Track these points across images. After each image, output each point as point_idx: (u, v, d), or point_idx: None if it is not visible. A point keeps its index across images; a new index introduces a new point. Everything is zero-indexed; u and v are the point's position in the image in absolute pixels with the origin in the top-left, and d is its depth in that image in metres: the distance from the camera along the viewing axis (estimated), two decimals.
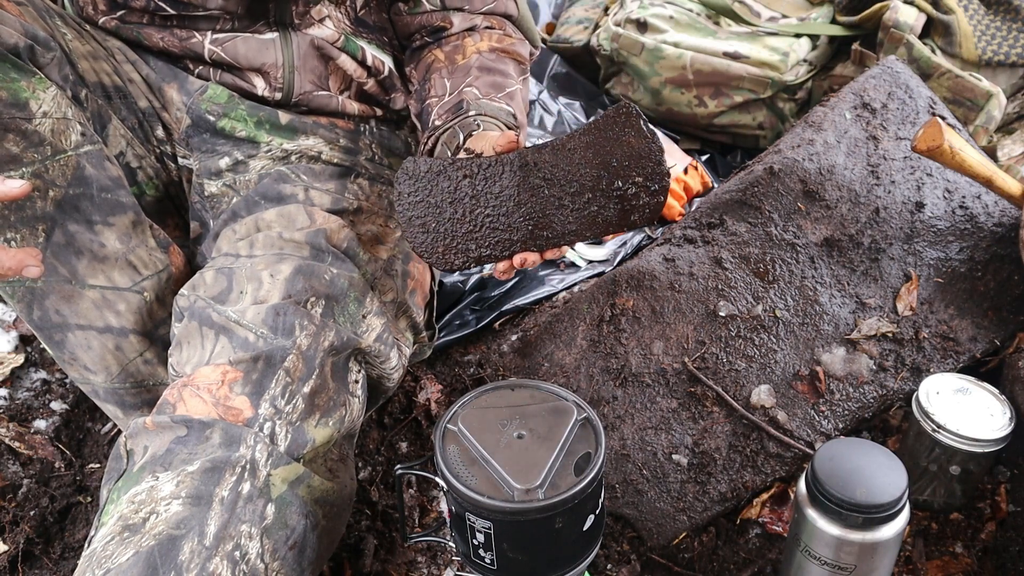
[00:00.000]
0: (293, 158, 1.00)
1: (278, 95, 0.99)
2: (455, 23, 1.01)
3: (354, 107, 1.03)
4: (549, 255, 0.85)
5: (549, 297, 1.39)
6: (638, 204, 0.80)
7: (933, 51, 1.50)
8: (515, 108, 1.02)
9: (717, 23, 1.69)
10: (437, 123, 0.94)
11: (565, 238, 0.83)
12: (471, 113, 0.92)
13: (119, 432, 1.22)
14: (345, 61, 1.01)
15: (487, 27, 1.03)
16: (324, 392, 0.84)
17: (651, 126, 0.79)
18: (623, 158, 0.80)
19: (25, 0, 0.88)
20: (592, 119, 0.80)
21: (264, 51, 0.96)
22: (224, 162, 0.99)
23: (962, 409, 0.99)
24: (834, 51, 1.66)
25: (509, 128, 0.98)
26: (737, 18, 1.67)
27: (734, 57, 1.60)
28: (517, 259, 0.84)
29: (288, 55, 0.97)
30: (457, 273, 1.42)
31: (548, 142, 0.83)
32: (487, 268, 1.42)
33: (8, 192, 0.78)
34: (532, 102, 1.81)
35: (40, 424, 1.25)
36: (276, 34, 0.97)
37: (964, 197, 1.21)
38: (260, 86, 0.99)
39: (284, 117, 1.00)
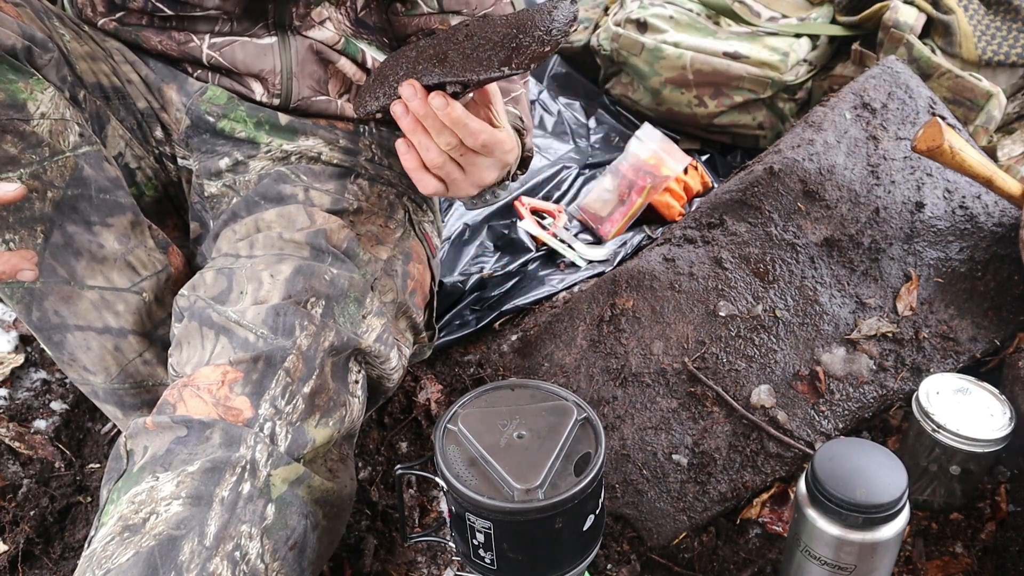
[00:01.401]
0: (293, 158, 1.00)
1: (276, 101, 0.99)
2: None
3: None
4: (432, 96, 0.80)
5: (549, 297, 1.39)
6: (522, 50, 0.79)
7: (933, 51, 1.50)
8: (521, 111, 1.02)
9: (717, 23, 1.69)
10: None
11: (449, 75, 0.81)
12: None
13: (119, 432, 1.22)
14: (345, 64, 1.01)
15: None
16: (324, 392, 0.84)
17: (576, 5, 0.80)
18: (536, 20, 0.80)
19: (23, 1, 0.88)
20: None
21: (262, 57, 0.96)
22: (224, 163, 0.99)
23: (962, 409, 0.99)
24: (834, 51, 1.66)
25: (517, 131, 0.98)
26: (737, 18, 1.67)
27: (734, 57, 1.60)
28: (402, 88, 0.82)
29: (286, 61, 0.97)
30: (457, 275, 1.42)
31: (496, 16, 0.85)
32: (486, 269, 1.42)
33: (3, 196, 0.78)
34: (532, 102, 1.82)
35: (40, 424, 1.25)
36: (275, 39, 0.96)
37: (964, 197, 1.20)
38: (258, 92, 0.98)
39: (284, 118, 1.00)
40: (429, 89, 0.81)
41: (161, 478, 0.75)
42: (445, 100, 0.80)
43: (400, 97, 0.82)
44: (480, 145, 0.83)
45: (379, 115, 0.88)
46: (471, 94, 0.86)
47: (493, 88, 0.86)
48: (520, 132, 1.00)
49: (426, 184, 0.86)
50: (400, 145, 0.85)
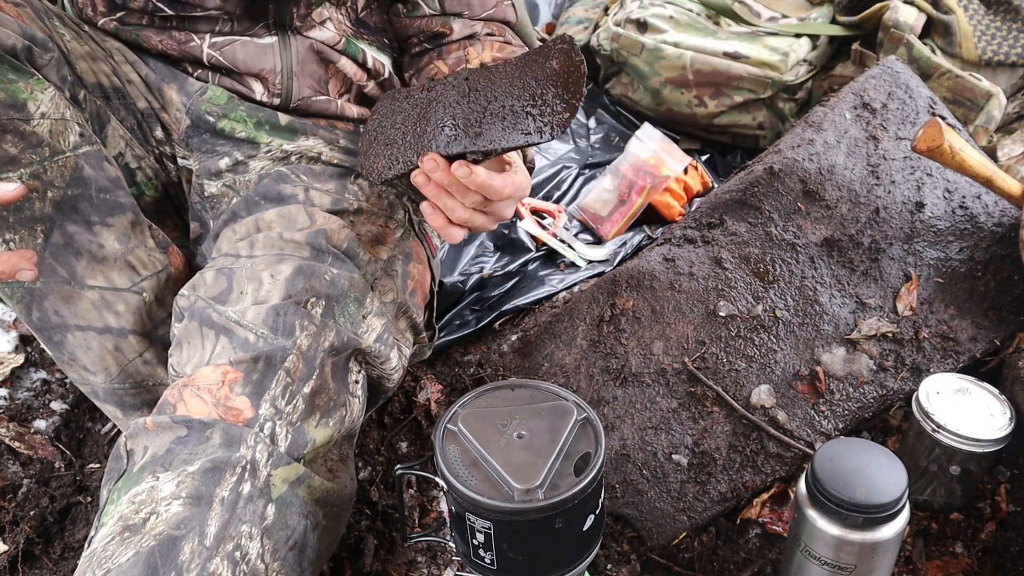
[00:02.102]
0: (293, 158, 1.00)
1: (276, 100, 0.99)
2: (455, 29, 1.00)
3: (353, 111, 1.03)
4: (456, 168, 0.81)
5: (549, 297, 1.39)
6: (545, 116, 0.79)
7: (933, 51, 1.50)
8: None
9: (717, 23, 1.69)
10: None
11: (471, 146, 0.81)
12: None
13: (119, 432, 1.22)
14: (346, 64, 1.01)
15: (488, 34, 1.02)
16: (324, 392, 0.84)
17: (581, 55, 0.79)
18: (546, 75, 0.79)
19: (23, 1, 0.88)
20: (534, 48, 0.83)
21: (262, 56, 0.96)
22: (224, 162, 0.99)
23: (962, 409, 0.99)
24: (834, 51, 1.66)
25: None
26: (737, 18, 1.67)
27: (734, 57, 1.60)
28: (424, 162, 0.83)
29: (287, 60, 0.97)
30: (457, 275, 1.42)
31: (494, 64, 0.84)
32: (486, 269, 1.42)
33: (3, 196, 0.78)
34: None
35: (40, 424, 1.25)
36: (275, 38, 0.96)
37: (964, 197, 1.21)
38: (259, 91, 0.98)
39: (284, 118, 1.00)
40: (449, 159, 0.82)
41: (161, 478, 0.75)
42: (469, 169, 0.80)
43: (418, 167, 0.83)
44: (505, 197, 0.84)
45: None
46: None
47: None
48: None
49: (455, 236, 0.86)
50: (425, 208, 0.85)
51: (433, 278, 1.11)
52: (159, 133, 1.00)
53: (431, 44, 1.03)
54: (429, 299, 1.10)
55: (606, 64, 1.80)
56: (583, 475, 0.75)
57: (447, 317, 1.34)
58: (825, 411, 1.09)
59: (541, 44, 0.82)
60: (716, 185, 1.60)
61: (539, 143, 0.79)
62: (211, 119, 0.98)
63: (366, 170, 0.91)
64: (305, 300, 0.86)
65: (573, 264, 1.46)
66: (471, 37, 1.02)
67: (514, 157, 0.89)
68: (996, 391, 1.01)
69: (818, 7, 1.68)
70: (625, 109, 1.81)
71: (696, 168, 1.59)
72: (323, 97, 1.01)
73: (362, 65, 1.02)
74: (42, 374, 1.31)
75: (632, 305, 1.19)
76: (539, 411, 0.81)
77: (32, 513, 1.14)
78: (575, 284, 1.41)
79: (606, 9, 1.89)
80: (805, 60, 1.61)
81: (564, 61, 0.78)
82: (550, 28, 2.02)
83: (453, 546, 0.83)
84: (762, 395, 1.10)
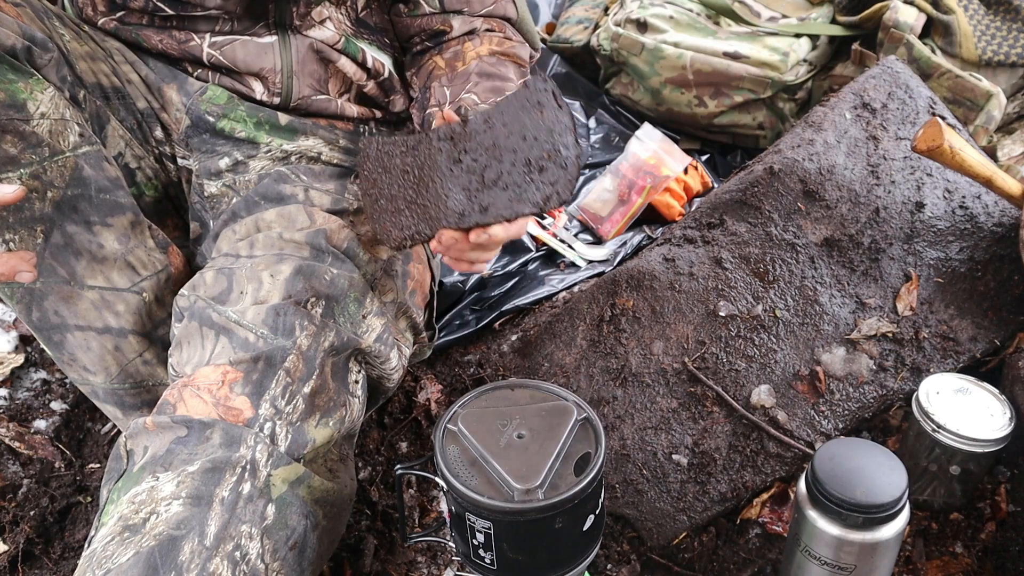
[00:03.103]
0: (293, 158, 1.00)
1: (276, 99, 0.99)
2: (455, 26, 1.01)
3: (353, 110, 1.04)
4: (473, 236, 0.84)
5: (549, 297, 1.39)
6: (549, 183, 0.80)
7: (933, 51, 1.50)
8: None
9: (717, 23, 1.69)
10: None
11: (488, 218, 0.82)
12: None
13: (119, 432, 1.22)
14: (345, 64, 1.01)
15: (487, 30, 1.03)
16: (324, 392, 0.84)
17: (563, 99, 0.79)
18: (537, 131, 0.79)
19: (23, 1, 0.88)
20: (511, 93, 0.82)
21: (262, 55, 0.96)
22: (224, 162, 0.99)
23: (962, 409, 0.99)
24: (834, 51, 1.66)
25: None
26: (737, 18, 1.67)
27: (734, 57, 1.60)
28: (444, 238, 0.86)
29: (287, 59, 0.97)
30: (457, 275, 1.42)
31: (476, 114, 0.84)
32: (488, 268, 1.42)
33: (2, 197, 0.78)
34: None
35: (40, 424, 1.25)
36: (275, 38, 0.96)
37: (964, 197, 1.20)
38: (259, 90, 0.98)
39: (284, 118, 1.00)
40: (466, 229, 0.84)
41: (161, 478, 0.75)
42: (487, 235, 0.83)
43: (433, 236, 0.86)
44: (514, 235, 0.86)
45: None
46: None
47: None
48: None
49: (481, 270, 0.95)
50: (448, 261, 0.91)
51: (433, 278, 1.11)
52: (159, 133, 1.00)
53: (432, 42, 1.03)
54: (429, 299, 1.10)
55: (606, 64, 1.80)
56: (583, 475, 0.75)
57: (447, 317, 1.34)
58: (825, 411, 1.09)
59: (519, 88, 0.81)
60: (716, 185, 1.60)
61: (552, 209, 0.81)
62: (211, 119, 0.98)
63: (382, 236, 0.92)
64: (305, 300, 0.86)
65: (573, 264, 1.46)
66: (471, 33, 1.02)
67: None
68: (996, 391, 1.01)
69: (818, 7, 1.68)
70: (625, 109, 1.81)
71: (696, 168, 1.59)
72: (323, 96, 1.01)
73: (362, 64, 1.02)
74: (42, 374, 1.31)
75: (632, 305, 1.19)
76: (539, 411, 0.81)
77: (32, 513, 1.14)
78: (575, 284, 1.41)
79: (606, 9, 1.89)
80: (805, 60, 1.61)
81: (550, 110, 0.78)
82: (550, 28, 2.01)
83: (453, 546, 0.83)
84: (762, 395, 1.10)
